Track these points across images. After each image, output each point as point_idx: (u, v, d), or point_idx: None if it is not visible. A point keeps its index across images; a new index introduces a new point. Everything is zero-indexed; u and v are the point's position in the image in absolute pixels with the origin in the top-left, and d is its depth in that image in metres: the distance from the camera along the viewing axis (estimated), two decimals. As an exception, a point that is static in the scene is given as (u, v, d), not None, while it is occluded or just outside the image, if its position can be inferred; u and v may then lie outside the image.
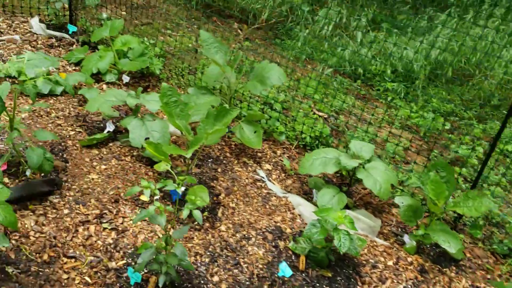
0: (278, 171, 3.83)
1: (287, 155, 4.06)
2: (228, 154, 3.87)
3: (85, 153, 3.44)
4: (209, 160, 3.74)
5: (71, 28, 5.12)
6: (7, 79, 3.98)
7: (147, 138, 3.42)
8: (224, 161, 3.76)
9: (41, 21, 5.13)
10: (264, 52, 6.16)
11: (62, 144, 3.48)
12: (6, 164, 3.02)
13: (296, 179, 3.80)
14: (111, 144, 3.60)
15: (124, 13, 6.26)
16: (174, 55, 5.40)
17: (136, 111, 3.61)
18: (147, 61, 4.48)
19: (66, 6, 5.19)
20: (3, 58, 4.45)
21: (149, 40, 5.17)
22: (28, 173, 3.04)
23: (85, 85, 4.26)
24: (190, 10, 6.96)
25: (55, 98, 4.04)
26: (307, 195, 3.64)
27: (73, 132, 3.65)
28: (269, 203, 3.40)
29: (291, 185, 3.72)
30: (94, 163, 3.36)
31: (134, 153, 3.57)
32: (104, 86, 4.43)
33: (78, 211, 2.90)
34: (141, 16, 6.13)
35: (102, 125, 3.86)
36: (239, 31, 6.74)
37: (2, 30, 4.91)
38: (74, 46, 4.99)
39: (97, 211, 2.94)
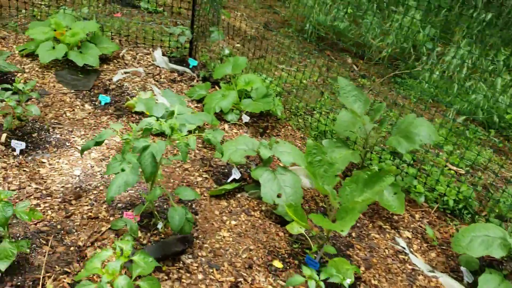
0: (419, 240, 3.37)
1: (427, 220, 3.59)
2: (361, 215, 3.49)
3: (214, 205, 3.22)
4: (341, 221, 3.37)
5: (192, 62, 5.07)
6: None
7: (279, 195, 3.15)
8: (358, 224, 3.38)
9: (163, 54, 5.12)
10: (383, 91, 5.75)
11: (190, 192, 3.30)
12: (139, 216, 2.88)
13: (440, 252, 3.31)
14: (239, 196, 3.37)
15: (238, 45, 6.17)
16: (290, 92, 5.16)
17: (267, 162, 3.35)
18: (271, 103, 4.25)
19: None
20: (128, 91, 4.44)
21: (267, 77, 4.96)
22: (159, 226, 2.87)
23: (207, 125, 4.11)
24: (302, 42, 6.73)
25: (179, 138, 3.92)
26: (455, 273, 3.15)
27: (200, 179, 3.48)
28: (416, 283, 2.96)
29: (435, 259, 3.24)
30: (224, 217, 3.13)
31: (263, 208, 3.31)
32: (226, 126, 4.26)
33: (212, 277, 2.66)
34: (254, 48, 5.97)
35: (226, 170, 3.66)
36: (354, 66, 6.39)
37: (126, 62, 4.96)
38: (195, 81, 4.91)
39: (232, 279, 2.67)
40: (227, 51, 4.95)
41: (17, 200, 2.90)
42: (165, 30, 5.43)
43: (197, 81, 4.93)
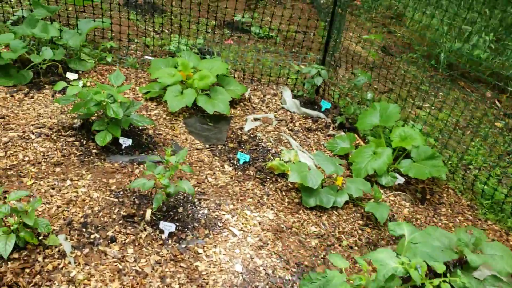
0: None
1: None
2: None
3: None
4: None
5: (325, 105, 4.47)
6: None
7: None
8: None
9: (294, 96, 4.56)
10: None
11: (371, 296, 2.72)
12: None
13: None
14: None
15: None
16: (437, 139, 4.41)
17: (473, 268, 2.69)
18: (440, 169, 3.56)
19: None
20: (263, 144, 3.91)
21: (404, 120, 4.25)
22: None
23: (365, 194, 3.51)
24: (429, 71, 5.95)
25: (336, 213, 3.35)
26: None
27: (375, 275, 2.88)
28: None
29: None
30: None
31: (465, 324, 2.66)
32: (384, 195, 3.64)
33: None
34: (379, 79, 5.25)
35: (398, 259, 3.04)
36: (496, 102, 5.55)
37: (254, 105, 4.43)
38: (331, 128, 4.31)
39: None
40: (369, 95, 4.30)
41: (182, 312, 2.43)
42: (295, 67, 4.84)
43: (333, 128, 4.32)
